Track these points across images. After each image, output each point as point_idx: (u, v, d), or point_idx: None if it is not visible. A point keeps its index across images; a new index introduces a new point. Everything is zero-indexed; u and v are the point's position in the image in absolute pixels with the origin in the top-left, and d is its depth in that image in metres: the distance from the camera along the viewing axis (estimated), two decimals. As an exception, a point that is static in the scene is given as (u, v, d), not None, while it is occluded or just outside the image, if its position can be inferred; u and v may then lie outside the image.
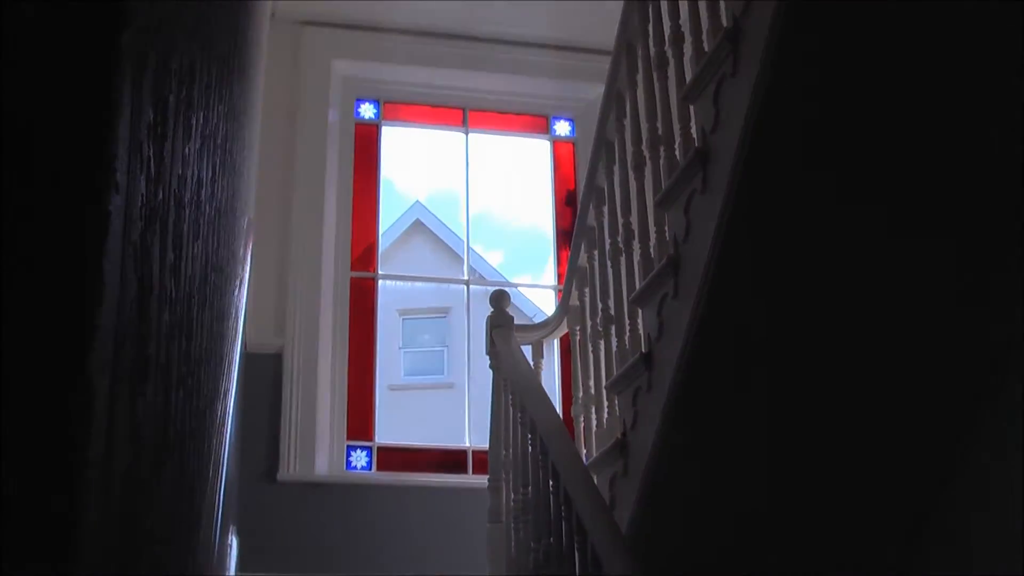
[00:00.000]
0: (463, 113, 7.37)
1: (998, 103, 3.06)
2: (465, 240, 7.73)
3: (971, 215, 3.22)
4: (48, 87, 0.72)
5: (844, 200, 3.18)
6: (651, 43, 3.83)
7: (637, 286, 3.76)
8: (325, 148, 6.75)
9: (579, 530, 3.44)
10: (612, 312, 4.13)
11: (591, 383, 4.44)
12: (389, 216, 7.66)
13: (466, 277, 7.83)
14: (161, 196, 1.07)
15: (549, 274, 7.62)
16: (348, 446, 6.43)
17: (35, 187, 0.70)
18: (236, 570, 5.29)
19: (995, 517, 3.43)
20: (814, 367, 3.44)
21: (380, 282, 6.96)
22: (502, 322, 4.86)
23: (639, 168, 3.93)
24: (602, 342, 4.25)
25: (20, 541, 0.67)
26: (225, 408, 3.04)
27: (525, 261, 23.97)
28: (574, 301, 4.76)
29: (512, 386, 4.53)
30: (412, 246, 18.49)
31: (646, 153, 3.88)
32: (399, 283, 8.74)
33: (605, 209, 4.32)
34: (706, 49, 3.30)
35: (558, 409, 4.73)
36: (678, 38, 3.62)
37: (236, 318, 3.55)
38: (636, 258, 3.87)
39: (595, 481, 3.72)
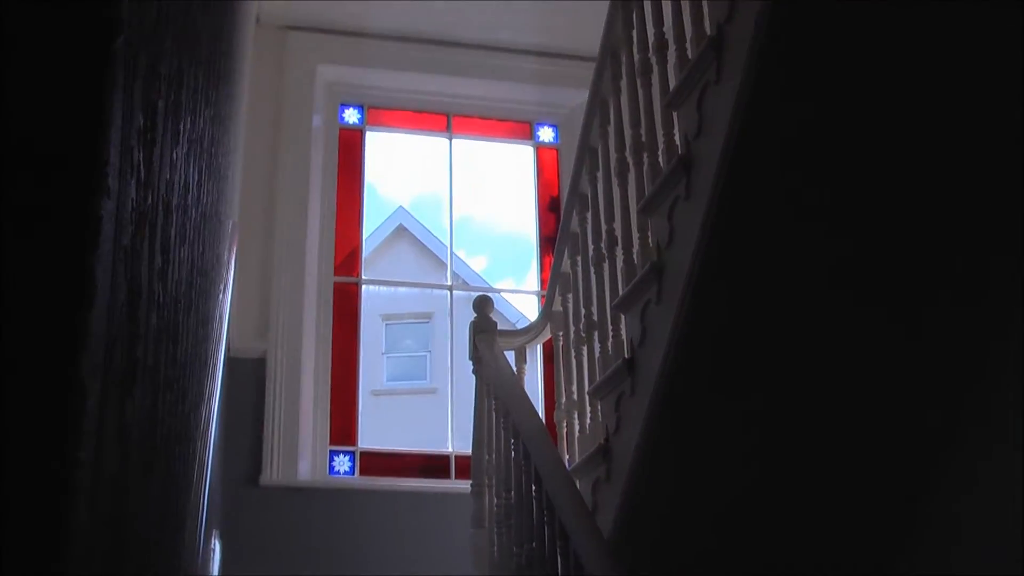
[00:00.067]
0: (447, 119, 7.38)
1: (981, 111, 3.07)
2: (449, 246, 7.73)
3: (961, 210, 3.23)
4: (42, 93, 0.73)
5: (827, 206, 3.19)
6: (635, 50, 3.84)
7: (620, 292, 3.77)
8: (309, 153, 6.74)
9: (562, 535, 3.45)
10: (595, 318, 4.14)
11: (574, 388, 4.45)
12: (372, 221, 7.66)
13: (449, 282, 7.84)
14: (150, 200, 1.08)
15: (532, 280, 7.63)
16: (331, 451, 6.42)
17: (28, 191, 0.71)
18: (219, 574, 5.29)
19: (984, 516, 3.43)
20: (797, 371, 3.45)
21: (363, 287, 6.96)
22: (485, 328, 4.86)
23: (623, 174, 3.94)
24: (585, 348, 4.26)
25: (12, 541, 0.68)
26: (209, 412, 3.04)
27: (508, 266, 23.98)
28: (557, 307, 4.77)
29: (495, 391, 4.54)
30: (395, 251, 18.48)
31: (630, 160, 3.89)
32: (382, 288, 8.75)
33: (588, 215, 4.32)
34: (690, 56, 3.31)
35: (541, 414, 4.73)
36: (662, 45, 3.63)
37: (220, 322, 3.55)
38: (619, 264, 3.88)
39: (578, 486, 3.73)
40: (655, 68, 3.70)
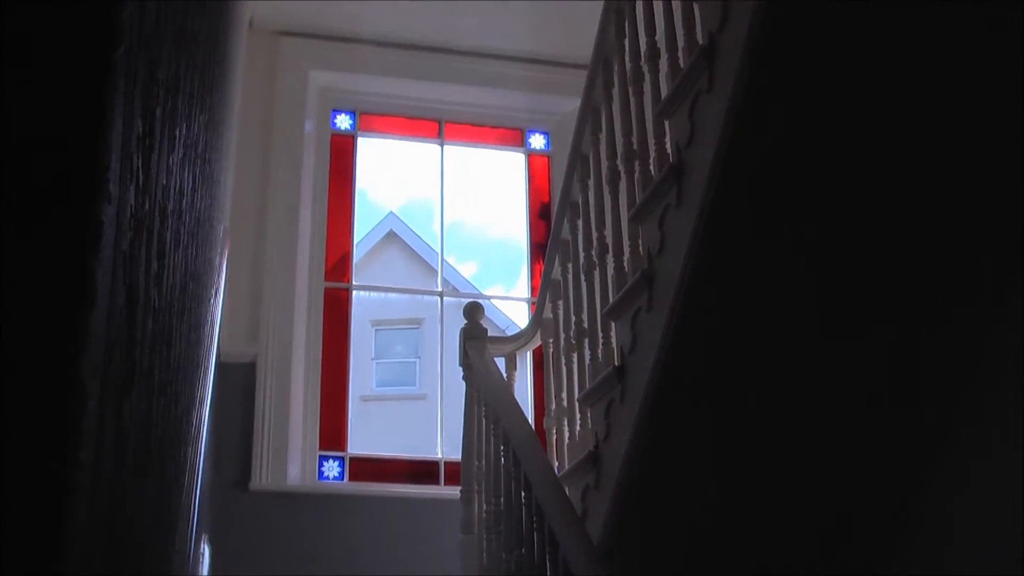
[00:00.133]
0: (439, 125, 7.39)
1: (978, 112, 3.09)
2: (439, 252, 7.73)
3: (958, 210, 3.24)
4: (45, 98, 0.74)
5: (818, 214, 3.20)
6: (627, 58, 3.85)
7: (611, 299, 3.78)
8: (301, 158, 6.75)
9: (551, 541, 3.46)
10: (585, 325, 4.15)
11: (564, 395, 4.46)
12: (362, 227, 7.66)
13: (440, 289, 7.84)
14: (147, 206, 1.09)
15: (522, 286, 7.64)
16: (320, 456, 6.43)
17: (31, 195, 0.72)
18: (207, 579, 5.29)
19: (984, 516, 3.44)
20: (788, 377, 3.46)
21: (354, 293, 6.96)
22: (476, 334, 4.87)
23: (614, 182, 3.95)
24: (575, 355, 4.27)
25: (12, 542, 0.68)
26: (201, 416, 3.05)
27: (497, 273, 24.00)
28: (548, 314, 4.78)
29: (485, 398, 4.55)
30: (385, 257, 18.47)
31: (621, 167, 3.90)
32: (371, 293, 8.75)
33: (580, 223, 4.34)
34: (682, 65, 3.32)
35: (531, 421, 4.75)
36: (654, 54, 3.64)
37: (212, 327, 3.56)
38: (610, 272, 3.89)
39: (567, 492, 3.73)
40: (647, 76, 3.71)
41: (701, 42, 3.15)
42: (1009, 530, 3.24)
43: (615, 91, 3.98)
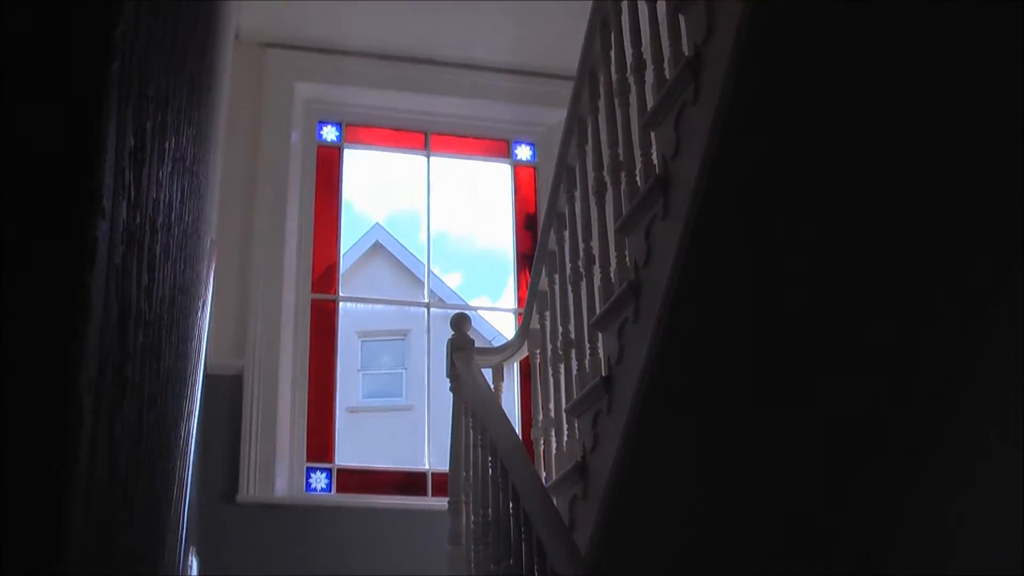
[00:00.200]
0: (425, 136, 7.40)
1: (969, 119, 3.10)
2: (426, 264, 7.74)
3: (956, 211, 3.25)
4: (40, 114, 0.74)
5: (805, 225, 3.21)
6: (613, 70, 3.86)
7: (598, 310, 3.78)
8: (287, 170, 6.75)
9: (539, 552, 3.46)
10: (572, 336, 4.16)
11: (551, 406, 4.46)
12: (348, 238, 7.66)
13: (427, 300, 7.85)
14: (138, 220, 1.09)
15: (508, 297, 7.65)
16: (308, 468, 6.42)
17: (26, 212, 0.72)
18: (195, 591, 5.28)
19: (983, 516, 3.44)
20: (775, 391, 3.47)
21: (340, 304, 6.97)
22: (463, 345, 4.88)
23: (600, 194, 3.96)
24: (562, 365, 4.28)
25: (9, 555, 0.69)
26: (189, 429, 3.05)
27: (483, 283, 24.04)
28: (535, 325, 4.78)
29: (473, 409, 4.56)
30: (371, 268, 18.48)
31: (607, 179, 3.91)
32: (358, 305, 8.75)
33: (566, 234, 4.35)
34: (667, 77, 3.33)
35: (518, 432, 4.76)
36: (640, 65, 3.65)
37: (199, 339, 3.56)
38: (597, 283, 3.90)
39: (555, 503, 3.74)
40: (633, 88, 3.72)
41: (687, 53, 3.15)
42: (1009, 530, 3.24)
43: (601, 102, 3.99)
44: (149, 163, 1.17)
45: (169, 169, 1.53)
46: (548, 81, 7.14)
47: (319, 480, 6.43)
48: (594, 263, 4.00)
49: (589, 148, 4.10)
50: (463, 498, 4.69)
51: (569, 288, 4.25)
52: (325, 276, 6.93)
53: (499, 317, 9.94)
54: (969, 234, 3.28)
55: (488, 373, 4.91)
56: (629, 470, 3.47)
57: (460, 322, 4.96)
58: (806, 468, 3.62)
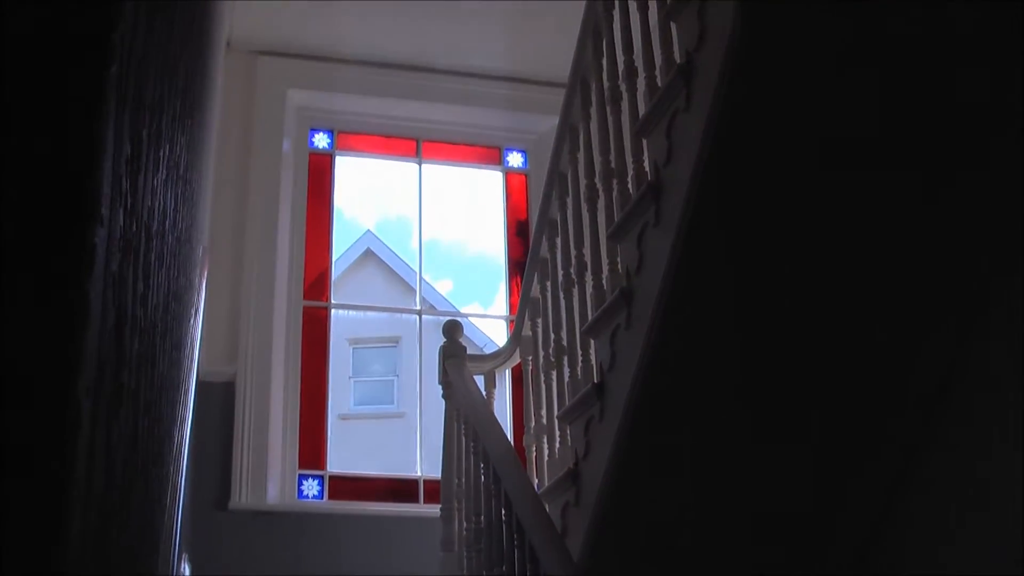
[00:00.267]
0: (416, 144, 7.40)
1: (963, 122, 3.11)
2: (418, 271, 7.74)
3: (954, 212, 3.26)
4: (38, 121, 0.75)
5: (795, 231, 3.22)
6: (605, 77, 3.87)
7: (590, 317, 3.79)
8: (279, 177, 6.76)
9: (531, 559, 3.47)
10: (564, 343, 4.16)
11: (543, 413, 4.47)
12: (339, 245, 7.67)
13: (419, 307, 7.86)
14: (134, 227, 1.10)
15: (499, 304, 7.65)
16: (300, 475, 6.42)
17: (25, 220, 0.73)
18: (187, 599, 5.28)
19: (983, 516, 3.44)
20: (766, 397, 3.48)
21: (332, 311, 6.97)
22: (455, 352, 4.89)
23: (592, 200, 3.97)
24: (554, 372, 4.28)
25: (9, 556, 0.70)
26: (182, 436, 3.05)
27: (474, 290, 24.00)
28: (527, 332, 4.78)
29: (465, 416, 4.56)
30: (363, 275, 18.46)
31: (599, 186, 3.91)
32: (349, 312, 8.76)
33: (558, 241, 4.35)
34: (659, 84, 3.34)
35: (510, 439, 4.76)
36: (631, 73, 3.66)
37: (192, 346, 3.56)
38: (589, 290, 3.90)
39: (547, 510, 3.74)
40: (625, 95, 3.73)
41: (678, 61, 3.16)
42: (1009, 530, 3.24)
43: (593, 110, 4.00)
44: (145, 170, 1.18)
45: (164, 176, 1.53)
46: (540, 88, 7.15)
47: (311, 487, 6.42)
48: (586, 270, 4.00)
49: (581, 155, 4.11)
50: (455, 505, 4.70)
51: (561, 295, 4.25)
52: (317, 283, 6.93)
53: (490, 324, 9.92)
54: (968, 234, 3.29)
55: (480, 380, 4.91)
56: (621, 476, 3.47)
57: (452, 329, 4.96)
58: (800, 471, 3.63)
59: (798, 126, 3.05)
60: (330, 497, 6.44)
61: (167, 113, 1.53)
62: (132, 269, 1.11)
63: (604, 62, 3.89)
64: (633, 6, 3.70)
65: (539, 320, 4.58)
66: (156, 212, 1.42)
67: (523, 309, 4.83)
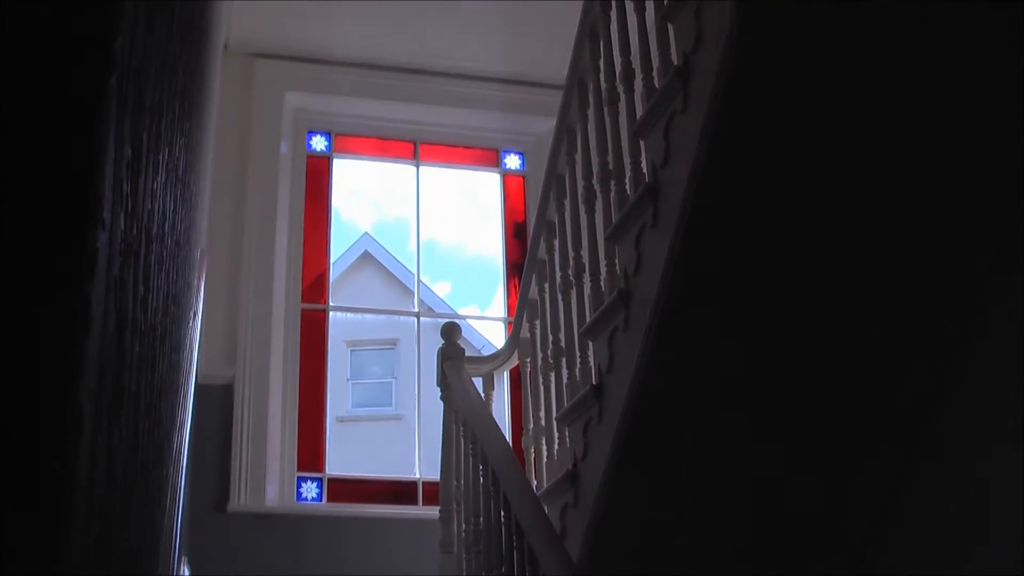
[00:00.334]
0: (414, 146, 7.41)
1: (960, 126, 3.12)
2: (416, 273, 7.75)
3: (953, 212, 3.26)
4: (40, 127, 0.75)
5: (793, 231, 3.22)
6: (602, 79, 3.86)
7: (588, 319, 3.79)
8: (277, 180, 6.76)
9: (530, 560, 3.47)
10: (563, 344, 4.16)
11: (542, 414, 4.47)
12: (337, 247, 7.68)
13: (416, 309, 7.86)
14: (135, 231, 1.10)
15: (497, 305, 7.66)
16: (298, 477, 6.42)
17: (27, 225, 0.73)
18: (186, 601, 5.28)
19: (984, 516, 3.44)
20: (764, 398, 3.48)
21: (330, 314, 6.97)
22: (453, 354, 4.89)
23: (590, 202, 3.97)
24: (553, 374, 4.28)
25: (10, 556, 0.70)
26: (181, 439, 3.05)
27: (472, 292, 24.03)
28: (525, 333, 4.79)
29: (463, 418, 4.56)
30: (360, 277, 18.47)
31: (597, 187, 3.91)
32: (346, 314, 8.76)
33: (556, 242, 4.35)
34: (656, 86, 3.34)
35: (508, 440, 4.76)
36: (629, 74, 3.66)
37: (191, 349, 3.56)
38: (587, 291, 3.90)
39: (546, 511, 3.74)
40: (622, 97, 3.73)
41: (676, 62, 3.16)
42: (1009, 530, 3.24)
43: (590, 111, 4.00)
44: (145, 174, 1.18)
45: (163, 179, 1.54)
46: (537, 90, 7.15)
47: (310, 489, 6.42)
48: (584, 271, 4.01)
49: (579, 157, 4.11)
50: (454, 507, 4.70)
51: (559, 296, 4.25)
52: (315, 285, 6.94)
53: (489, 326, 9.92)
54: (968, 233, 3.29)
55: (479, 382, 4.91)
56: (620, 478, 3.47)
57: (450, 331, 4.97)
58: (799, 471, 3.63)
59: (795, 127, 3.05)
60: (329, 499, 6.44)
61: (166, 115, 1.53)
62: (132, 272, 1.11)
63: (601, 63, 3.89)
64: (630, 7, 3.70)
65: (537, 322, 4.58)
66: (156, 215, 1.43)
67: (521, 311, 4.83)
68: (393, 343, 18.59)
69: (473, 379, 4.82)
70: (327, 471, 6.53)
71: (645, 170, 3.38)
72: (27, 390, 0.71)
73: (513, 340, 4.99)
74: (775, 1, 2.82)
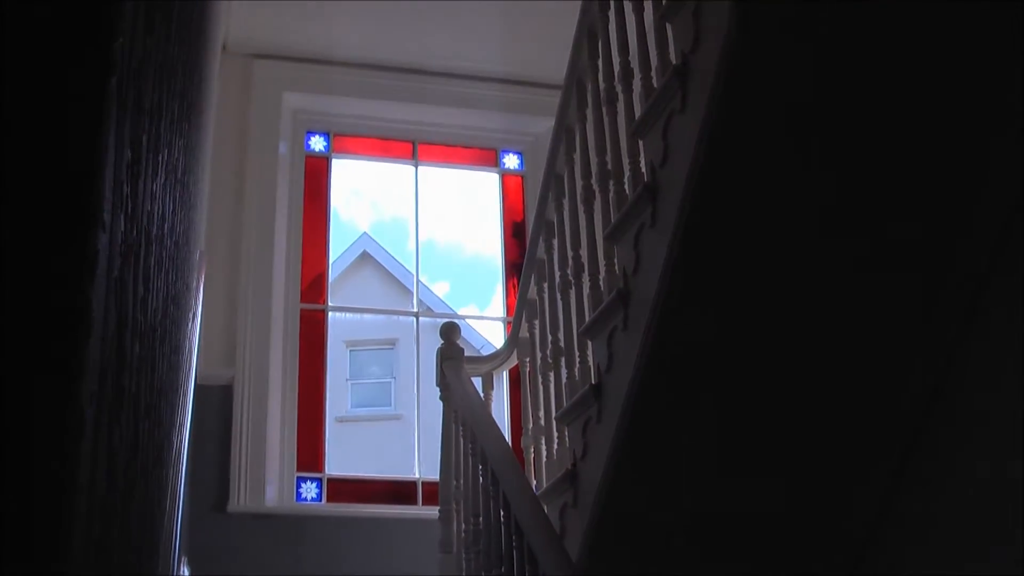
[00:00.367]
0: (413, 146, 7.41)
1: (957, 128, 3.12)
2: (415, 273, 7.75)
3: (952, 212, 3.26)
4: (41, 130, 0.75)
5: (792, 230, 3.22)
6: (600, 78, 3.86)
7: (587, 318, 3.79)
8: (275, 180, 6.76)
9: (530, 559, 3.47)
10: (562, 344, 4.16)
11: (541, 414, 4.47)
12: (336, 247, 7.68)
13: (416, 309, 7.86)
14: (135, 233, 1.10)
15: (496, 305, 7.66)
16: (298, 477, 6.42)
17: (28, 227, 0.73)
18: (186, 602, 5.28)
19: (984, 516, 3.44)
20: (763, 397, 3.48)
21: (329, 314, 6.97)
22: (452, 354, 4.89)
23: (588, 202, 3.97)
24: (552, 374, 4.28)
25: (12, 556, 0.70)
26: (181, 439, 3.05)
27: (471, 292, 24.02)
28: (524, 333, 4.78)
29: (463, 418, 4.56)
30: (359, 277, 18.47)
31: (596, 187, 3.91)
32: (345, 314, 8.77)
33: (555, 242, 4.35)
34: (655, 85, 3.34)
35: (508, 440, 4.76)
36: (627, 74, 3.66)
37: (190, 350, 3.56)
38: (586, 291, 3.90)
39: (545, 511, 3.74)
40: (620, 97, 3.73)
41: (674, 62, 3.16)
42: (1009, 530, 3.24)
43: (589, 111, 4.00)
44: (144, 175, 1.18)
45: (162, 181, 1.54)
46: (536, 90, 7.15)
47: (309, 490, 6.42)
48: (583, 271, 4.01)
49: (577, 156, 4.11)
50: (454, 506, 4.70)
51: (558, 296, 4.25)
52: (314, 286, 6.94)
53: (488, 326, 9.92)
54: (968, 233, 3.29)
55: (478, 382, 4.91)
56: (619, 478, 3.48)
57: (449, 331, 4.97)
58: (798, 471, 3.63)
59: (794, 127, 3.05)
60: (328, 499, 6.44)
61: (166, 116, 1.53)
62: (133, 274, 1.11)
63: (600, 63, 3.89)
64: (629, 7, 3.70)
65: (536, 322, 4.58)
66: (155, 216, 1.43)
67: (520, 311, 4.83)
68: (392, 343, 18.59)
69: (472, 379, 4.82)
70: (326, 471, 6.53)
71: (644, 170, 3.38)
72: (28, 392, 0.71)
73: (512, 340, 4.99)
74: (773, 1, 2.82)
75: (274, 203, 6.69)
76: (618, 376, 3.43)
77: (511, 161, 7.50)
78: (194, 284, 3.72)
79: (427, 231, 10.19)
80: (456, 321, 5.15)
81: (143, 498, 1.60)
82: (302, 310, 6.78)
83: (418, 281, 7.85)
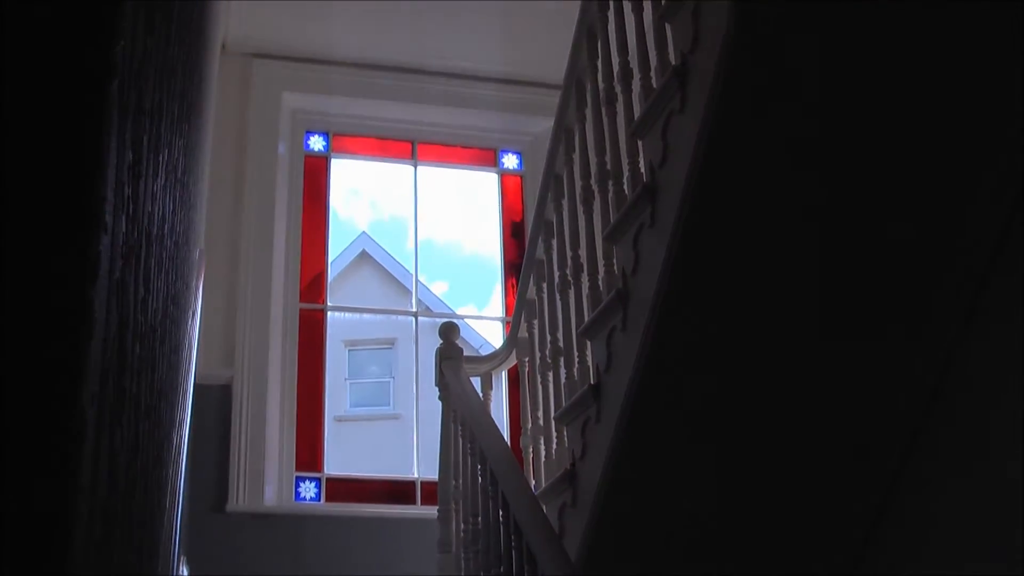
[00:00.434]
0: (412, 146, 7.40)
1: (955, 128, 3.12)
2: (414, 273, 7.75)
3: (952, 212, 3.26)
4: (43, 132, 0.75)
5: (791, 230, 3.22)
6: (600, 79, 3.87)
7: (586, 318, 3.79)
8: (275, 180, 6.75)
9: (529, 559, 3.47)
10: (561, 344, 4.16)
11: (540, 414, 4.46)
12: (335, 247, 7.68)
13: (414, 309, 7.86)
14: (136, 234, 1.11)
15: (495, 305, 7.66)
16: (297, 477, 6.42)
17: (29, 228, 0.73)
18: (184, 601, 5.28)
19: (984, 515, 3.44)
20: (763, 397, 3.48)
21: (328, 313, 6.97)
22: (451, 354, 4.89)
23: (588, 202, 3.97)
24: (551, 374, 4.28)
25: (13, 557, 0.70)
26: (181, 439, 3.05)
27: (470, 292, 24.03)
28: (523, 333, 4.78)
29: (462, 417, 4.56)
30: (358, 277, 18.46)
31: (595, 187, 3.91)
32: (344, 314, 8.77)
33: (554, 242, 4.35)
34: (654, 86, 3.34)
35: (507, 440, 4.76)
36: (627, 74, 3.66)
37: (190, 350, 3.56)
38: (585, 291, 3.90)
39: (544, 511, 3.74)
40: (620, 97, 3.73)
41: (673, 62, 3.16)
42: (1009, 530, 3.24)
43: (588, 111, 4.00)
44: (145, 176, 1.18)
45: (162, 181, 1.54)
46: (535, 90, 7.15)
47: (308, 489, 6.42)
48: (582, 271, 4.01)
49: (576, 156, 4.11)
50: (453, 506, 4.70)
51: (557, 296, 4.25)
52: (313, 285, 6.93)
53: (486, 326, 9.93)
54: (967, 234, 3.29)
55: (477, 382, 4.91)
56: (618, 478, 3.48)
57: (448, 331, 4.97)
58: (798, 471, 3.63)
59: (793, 127, 3.06)
60: (327, 499, 6.44)
61: (166, 117, 1.53)
62: (133, 275, 1.11)
63: (599, 63, 3.89)
64: (628, 8, 3.70)
65: (535, 321, 4.58)
66: (156, 217, 1.43)
67: (519, 310, 4.83)
68: (391, 343, 18.59)
69: (471, 379, 4.82)
70: (325, 471, 6.53)
71: (643, 170, 3.39)
72: (30, 393, 0.71)
73: (511, 340, 4.99)
74: (773, 1, 2.82)
75: (273, 203, 6.68)
76: (617, 376, 3.43)
77: (510, 161, 7.50)
78: (193, 283, 3.72)
79: (426, 231, 10.21)
80: (455, 321, 5.15)
81: (143, 498, 1.60)
82: (301, 310, 6.78)
83: (417, 281, 7.85)
